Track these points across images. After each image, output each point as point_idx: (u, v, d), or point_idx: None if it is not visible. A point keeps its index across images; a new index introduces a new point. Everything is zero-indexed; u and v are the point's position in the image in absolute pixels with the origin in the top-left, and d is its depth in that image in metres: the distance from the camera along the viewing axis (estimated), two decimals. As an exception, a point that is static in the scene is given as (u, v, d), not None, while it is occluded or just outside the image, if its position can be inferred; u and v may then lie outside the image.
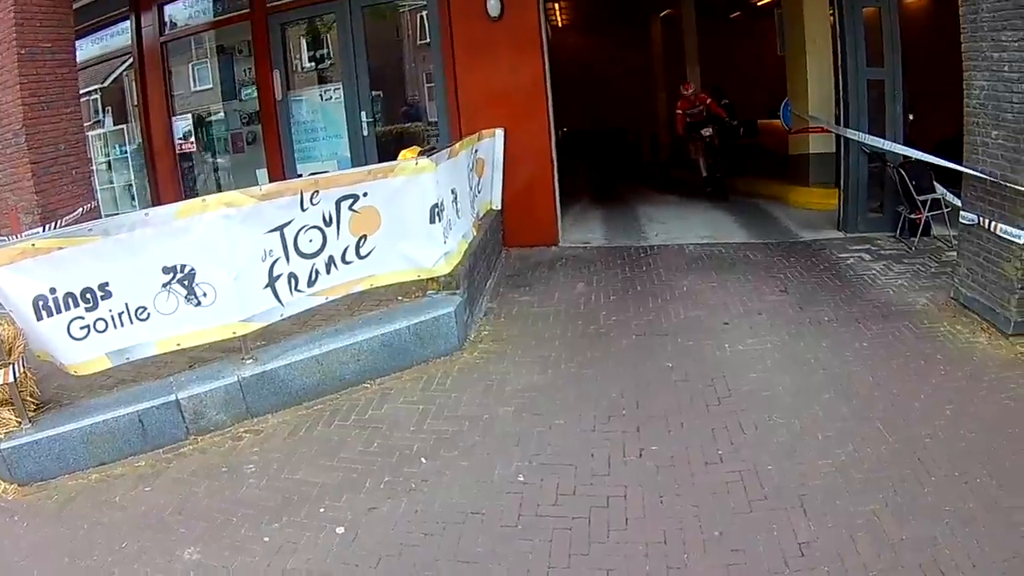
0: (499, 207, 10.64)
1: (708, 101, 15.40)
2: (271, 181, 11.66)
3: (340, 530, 4.99)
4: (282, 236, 6.44)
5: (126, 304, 6.09)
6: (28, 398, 6.39)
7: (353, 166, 11.20)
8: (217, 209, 6.09)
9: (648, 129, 21.75)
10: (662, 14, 21.39)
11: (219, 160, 13.45)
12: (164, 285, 6.12)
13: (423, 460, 5.62)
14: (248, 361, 6.49)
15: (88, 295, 5.98)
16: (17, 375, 6.16)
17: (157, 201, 13.47)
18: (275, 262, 6.45)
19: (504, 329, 8.01)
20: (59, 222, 10.43)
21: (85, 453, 6.16)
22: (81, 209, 10.80)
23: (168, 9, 13.50)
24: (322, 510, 5.22)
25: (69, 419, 6.26)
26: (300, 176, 11.68)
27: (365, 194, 6.86)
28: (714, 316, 7.91)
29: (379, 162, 10.70)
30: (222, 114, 13.24)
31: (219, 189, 12.89)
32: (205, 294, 6.21)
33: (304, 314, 6.93)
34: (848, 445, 5.34)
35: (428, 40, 11.77)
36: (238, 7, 12.55)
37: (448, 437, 5.91)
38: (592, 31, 22.55)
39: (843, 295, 8.21)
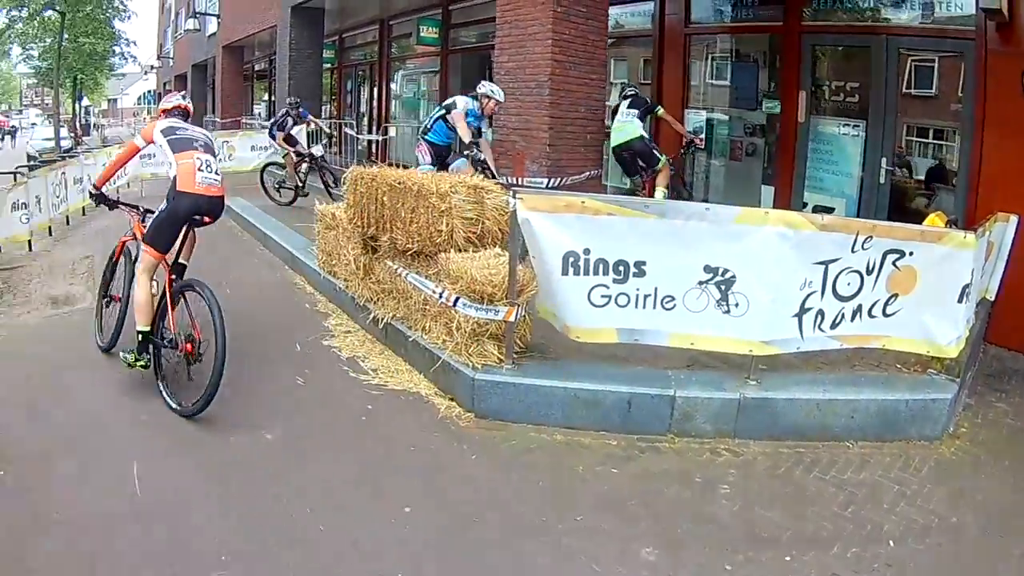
0: (991, 298, 9.79)
1: None
2: (775, 202, 11.58)
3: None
4: (825, 271, 6.11)
5: (655, 288, 6.08)
6: (517, 341, 6.66)
7: (859, 210, 10.71)
8: (776, 226, 5.88)
9: None
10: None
11: (713, 162, 13.23)
12: (700, 283, 6.02)
13: (891, 543, 5.06)
14: (752, 382, 6.23)
15: (621, 268, 6.05)
16: (518, 317, 6.44)
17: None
18: (810, 295, 6.13)
19: (980, 432, 7.16)
20: (564, 179, 10.63)
21: (559, 412, 6.26)
22: (587, 173, 11.05)
23: (695, 2, 13.37)
24: (787, 559, 4.83)
25: (555, 375, 6.41)
26: (805, 205, 11.37)
27: (911, 253, 6.35)
28: None
29: (887, 215, 10.17)
30: (727, 118, 12.99)
31: (707, 192, 12.96)
32: (737, 304, 6.04)
33: (808, 353, 6.54)
34: None
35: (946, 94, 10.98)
36: (770, 17, 12.18)
37: (917, 528, 5.29)
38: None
39: None
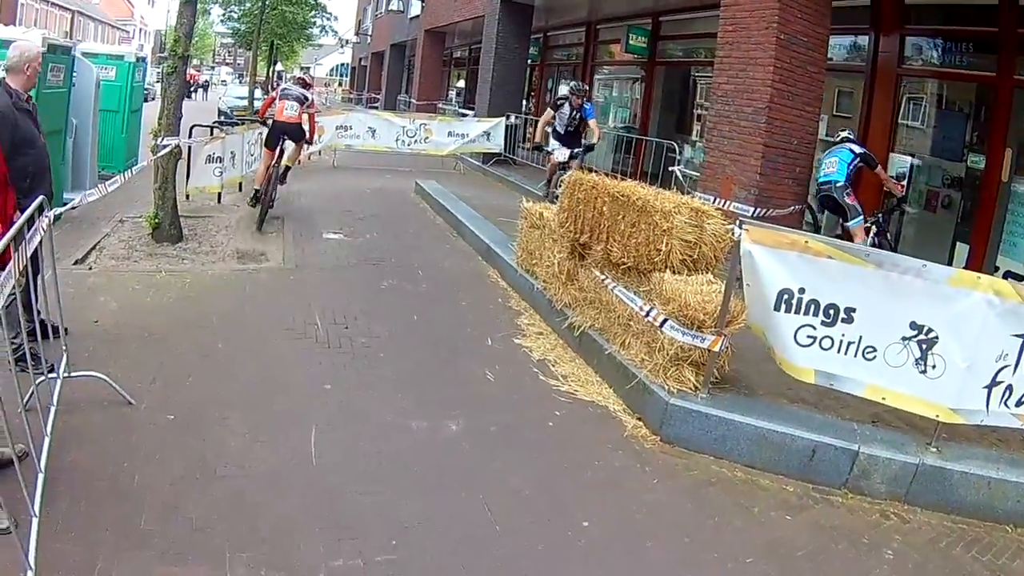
0: None
1: None
2: (968, 262, 11.34)
3: None
4: (1022, 345, 5.97)
5: (860, 337, 6.06)
6: (714, 371, 6.57)
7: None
8: (986, 292, 5.79)
9: None
10: None
11: (908, 210, 12.83)
12: (904, 339, 5.99)
13: None
14: (932, 449, 6.15)
15: (831, 311, 6.05)
16: (723, 348, 6.39)
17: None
18: (1003, 368, 5.99)
19: None
20: (770, 211, 10.64)
21: (744, 448, 6.26)
22: (792, 208, 10.97)
23: (910, 41, 13.16)
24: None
25: (746, 411, 6.38)
26: (996, 269, 11.18)
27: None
28: None
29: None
30: (926, 166, 12.73)
31: (897, 241, 12.66)
32: (934, 366, 5.98)
33: (984, 427, 6.36)
34: None
35: None
36: (982, 66, 11.92)
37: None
38: None
39: None
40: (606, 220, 7.73)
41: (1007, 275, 10.72)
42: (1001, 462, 6.17)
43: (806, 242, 6.03)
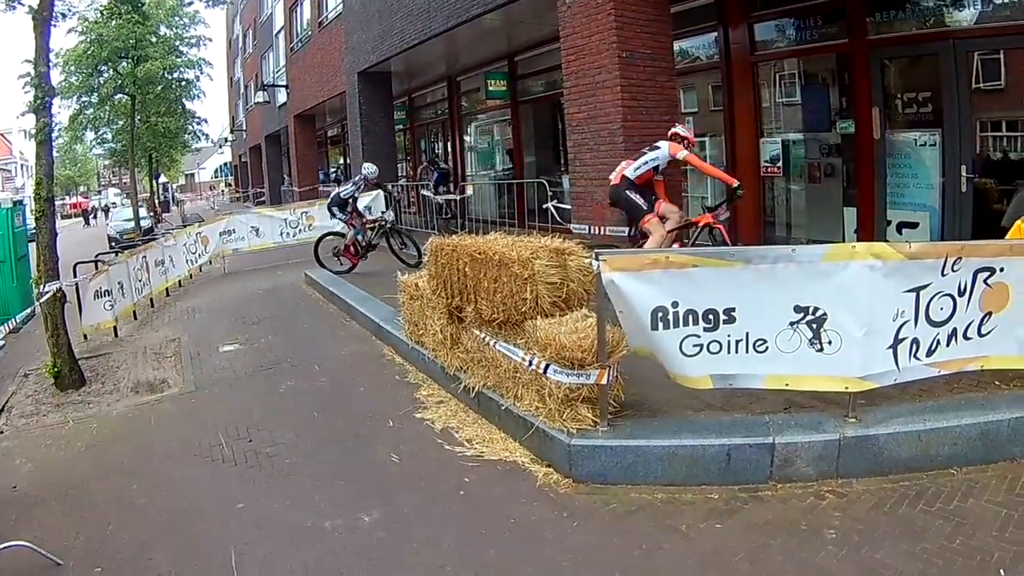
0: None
1: None
2: (859, 223, 11.47)
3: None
4: (917, 298, 5.95)
5: (746, 333, 5.98)
6: (611, 401, 6.48)
7: (943, 222, 10.63)
8: (865, 259, 5.73)
9: None
10: None
11: (792, 187, 13.06)
12: (792, 324, 5.90)
13: (1002, 572, 4.77)
14: (851, 420, 6.06)
15: (710, 316, 5.97)
16: (611, 379, 6.29)
17: (735, 227, 13.34)
18: (903, 324, 5.96)
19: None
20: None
21: (658, 470, 6.09)
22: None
23: (759, 28, 13.32)
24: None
25: (651, 433, 6.26)
26: (888, 223, 11.27)
27: (1002, 269, 6.17)
28: None
29: (972, 223, 10.15)
30: (802, 140, 12.84)
31: (788, 217, 12.92)
32: (830, 342, 5.90)
33: (904, 384, 6.32)
34: None
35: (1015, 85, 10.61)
36: (834, 35, 12.09)
37: (1028, 552, 5.09)
38: None
39: None
40: (470, 280, 7.67)
41: (900, 225, 11.07)
42: (927, 412, 6.20)
43: (667, 258, 5.98)
